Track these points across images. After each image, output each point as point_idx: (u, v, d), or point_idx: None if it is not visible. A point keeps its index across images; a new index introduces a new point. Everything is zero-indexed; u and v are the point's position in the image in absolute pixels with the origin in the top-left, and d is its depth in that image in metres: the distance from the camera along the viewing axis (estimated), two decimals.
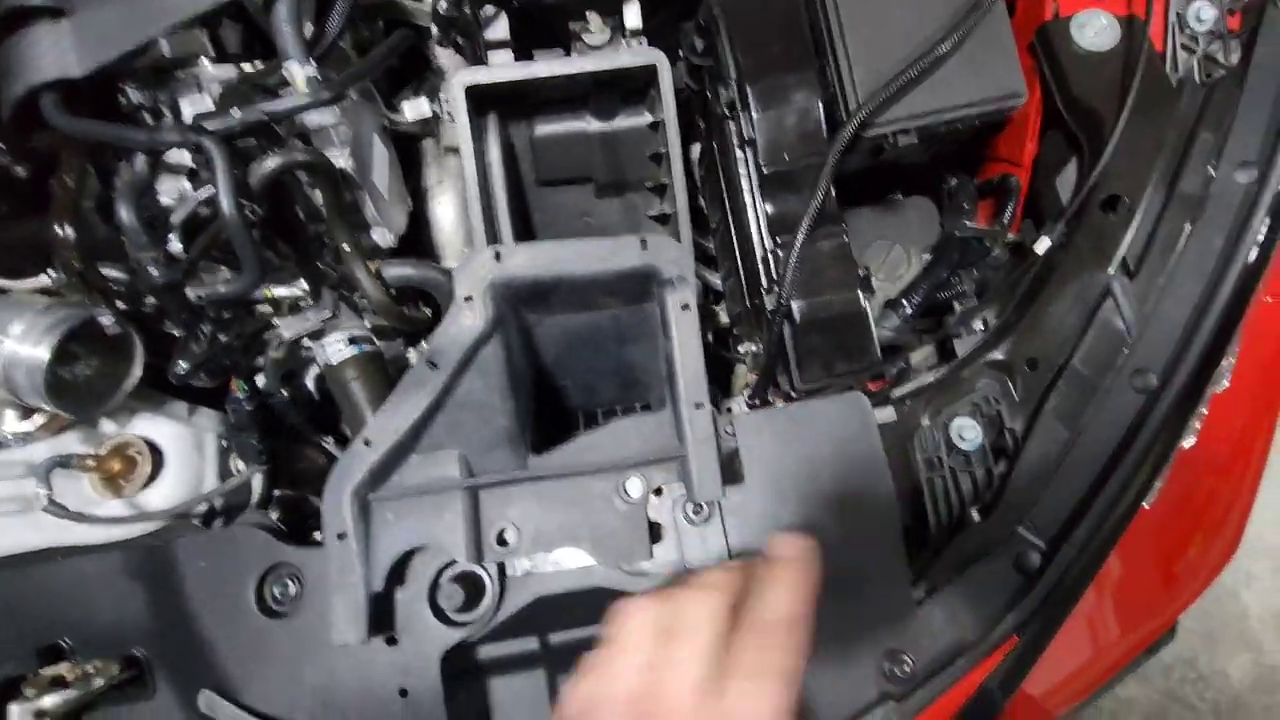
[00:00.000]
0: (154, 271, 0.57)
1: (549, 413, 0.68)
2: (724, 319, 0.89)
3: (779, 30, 0.62)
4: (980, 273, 0.70)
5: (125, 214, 0.56)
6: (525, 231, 0.88)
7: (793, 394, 0.65)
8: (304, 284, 0.68)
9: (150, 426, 0.75)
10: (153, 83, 0.62)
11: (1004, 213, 0.73)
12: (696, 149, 0.89)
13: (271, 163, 0.58)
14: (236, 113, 0.57)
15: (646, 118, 0.80)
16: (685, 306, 0.56)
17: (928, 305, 0.68)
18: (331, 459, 0.94)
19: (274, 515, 0.79)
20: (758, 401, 0.72)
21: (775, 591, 0.40)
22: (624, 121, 0.81)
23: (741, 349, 0.80)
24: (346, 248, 0.66)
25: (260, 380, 0.72)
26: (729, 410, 0.86)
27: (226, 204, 0.55)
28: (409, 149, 0.85)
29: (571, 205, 0.89)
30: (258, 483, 0.81)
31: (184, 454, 0.76)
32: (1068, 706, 0.82)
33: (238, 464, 0.82)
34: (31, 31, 0.56)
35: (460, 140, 0.73)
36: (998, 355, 0.59)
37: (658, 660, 0.37)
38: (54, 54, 0.56)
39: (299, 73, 0.61)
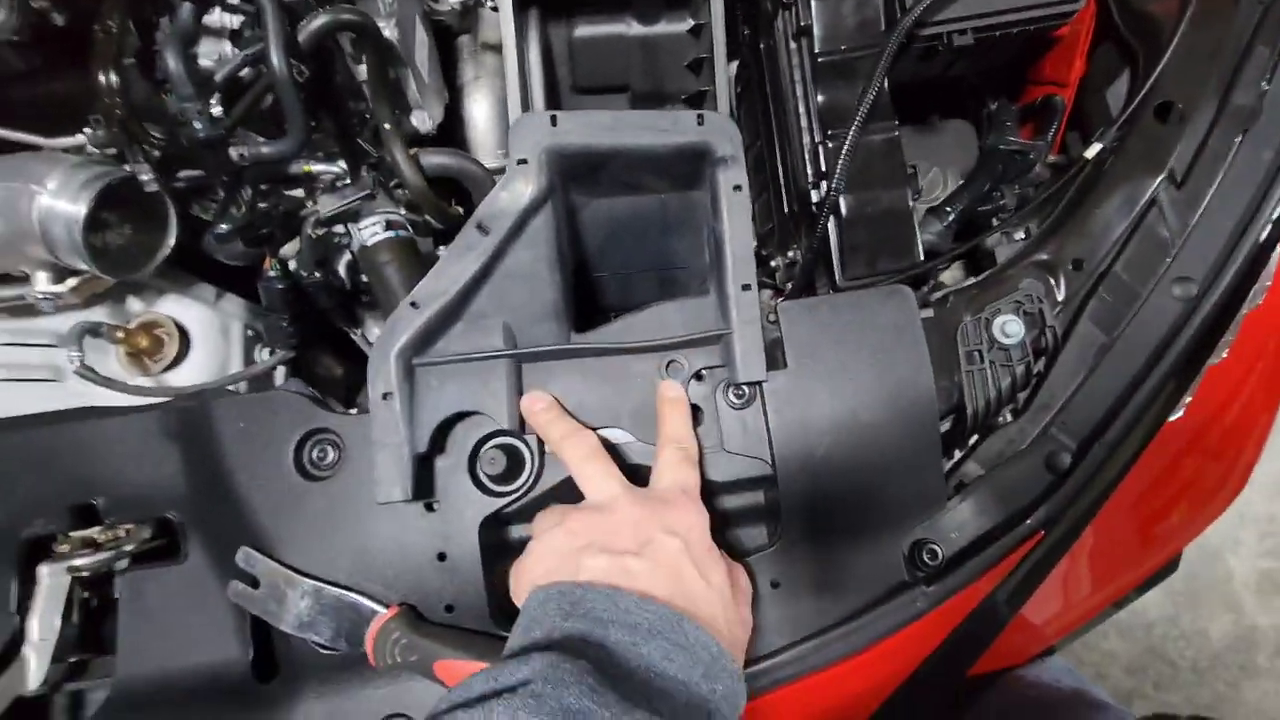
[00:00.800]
0: (198, 125, 0.56)
1: (585, 310, 0.68)
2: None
3: None
4: (1021, 188, 0.70)
5: (173, 62, 0.54)
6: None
7: (834, 289, 0.65)
8: (342, 163, 0.67)
9: (178, 307, 0.75)
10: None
11: (1048, 130, 0.73)
12: (733, 68, 0.88)
13: (321, 19, 0.57)
14: None
15: (689, 23, 0.79)
16: (738, 187, 0.56)
17: (969, 215, 0.68)
18: (350, 368, 0.94)
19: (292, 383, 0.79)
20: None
21: (669, 420, 0.55)
22: (666, 26, 0.80)
23: (774, 263, 0.80)
24: (387, 126, 0.65)
25: (293, 262, 0.71)
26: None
27: (277, 59, 0.54)
28: (445, 43, 0.83)
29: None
30: (280, 374, 0.81)
31: (210, 338, 0.76)
32: (1065, 633, 0.85)
33: (262, 356, 0.82)
34: None
35: (504, 31, 0.71)
36: (1043, 255, 0.59)
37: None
38: None
39: None
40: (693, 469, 0.53)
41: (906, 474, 0.57)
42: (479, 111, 0.83)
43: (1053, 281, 0.59)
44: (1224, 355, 0.65)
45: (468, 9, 0.75)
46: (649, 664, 0.41)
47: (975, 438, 0.61)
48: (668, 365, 0.57)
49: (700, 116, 0.55)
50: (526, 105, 0.75)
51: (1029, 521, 0.57)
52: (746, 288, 0.55)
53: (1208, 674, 1.53)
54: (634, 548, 0.46)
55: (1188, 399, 0.64)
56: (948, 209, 0.67)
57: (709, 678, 0.42)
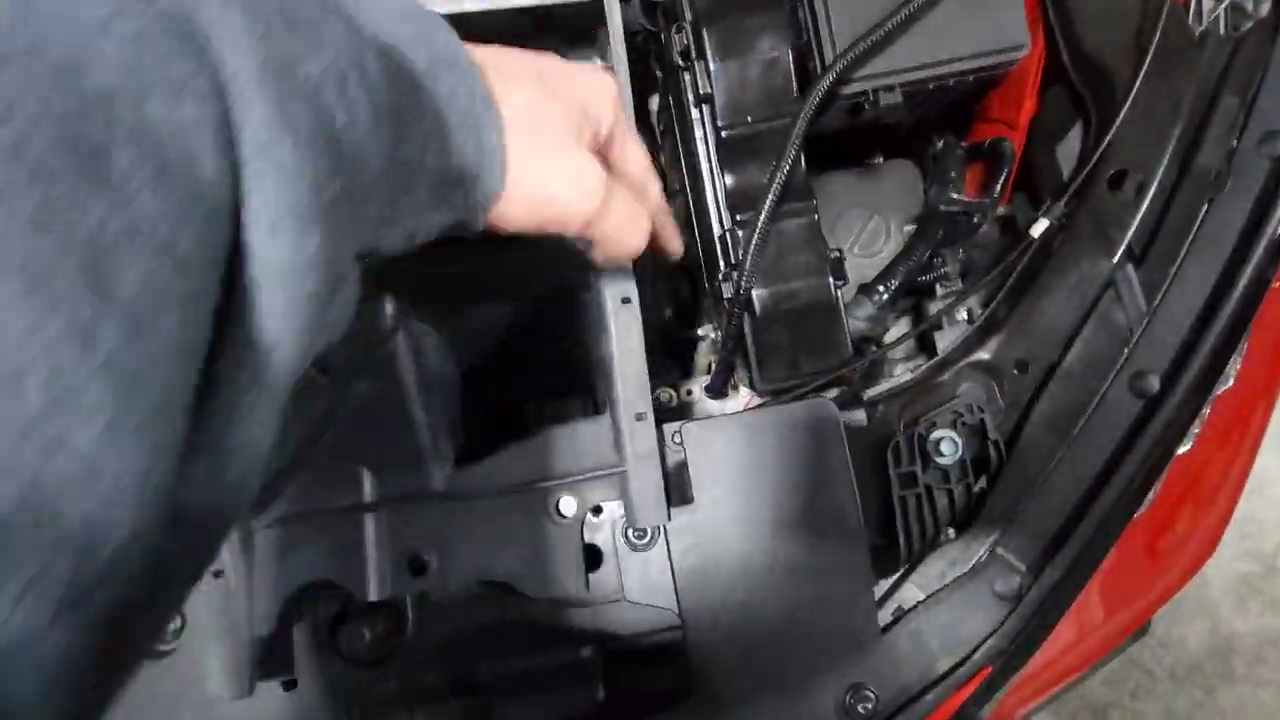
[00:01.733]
0: None
1: (489, 403, 0.60)
2: (684, 292, 0.81)
3: None
4: (966, 252, 0.63)
5: None
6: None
7: (754, 386, 0.57)
8: None
9: None
10: None
11: (995, 182, 0.65)
12: (655, 101, 0.79)
13: None
14: None
15: (597, 63, 0.70)
16: (626, 300, 0.47)
17: (907, 288, 0.61)
18: None
19: None
20: (715, 393, 0.64)
21: None
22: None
23: (702, 331, 0.72)
24: None
25: None
26: (689, 392, 0.79)
27: None
28: None
29: None
30: None
31: None
32: (1028, 707, 0.79)
33: None
34: None
35: None
36: (983, 355, 0.52)
37: None
38: None
39: None
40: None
41: (835, 611, 0.50)
42: None
43: (995, 386, 0.52)
44: (1190, 444, 0.58)
45: None
46: None
47: (914, 557, 0.54)
48: (557, 505, 0.50)
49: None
50: None
51: (974, 656, 0.51)
52: (640, 417, 0.47)
53: (1185, 682, 1.51)
54: None
55: (1152, 495, 0.57)
56: (880, 288, 0.59)
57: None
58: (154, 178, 0.18)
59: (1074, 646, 0.73)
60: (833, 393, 0.56)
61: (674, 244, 0.45)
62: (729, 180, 0.52)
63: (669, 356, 0.76)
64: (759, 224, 0.48)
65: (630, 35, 0.67)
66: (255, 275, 0.20)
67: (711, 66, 0.51)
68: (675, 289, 0.82)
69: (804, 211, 0.52)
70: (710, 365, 0.83)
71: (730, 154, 0.52)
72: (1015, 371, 0.51)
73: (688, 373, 0.84)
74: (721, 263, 0.54)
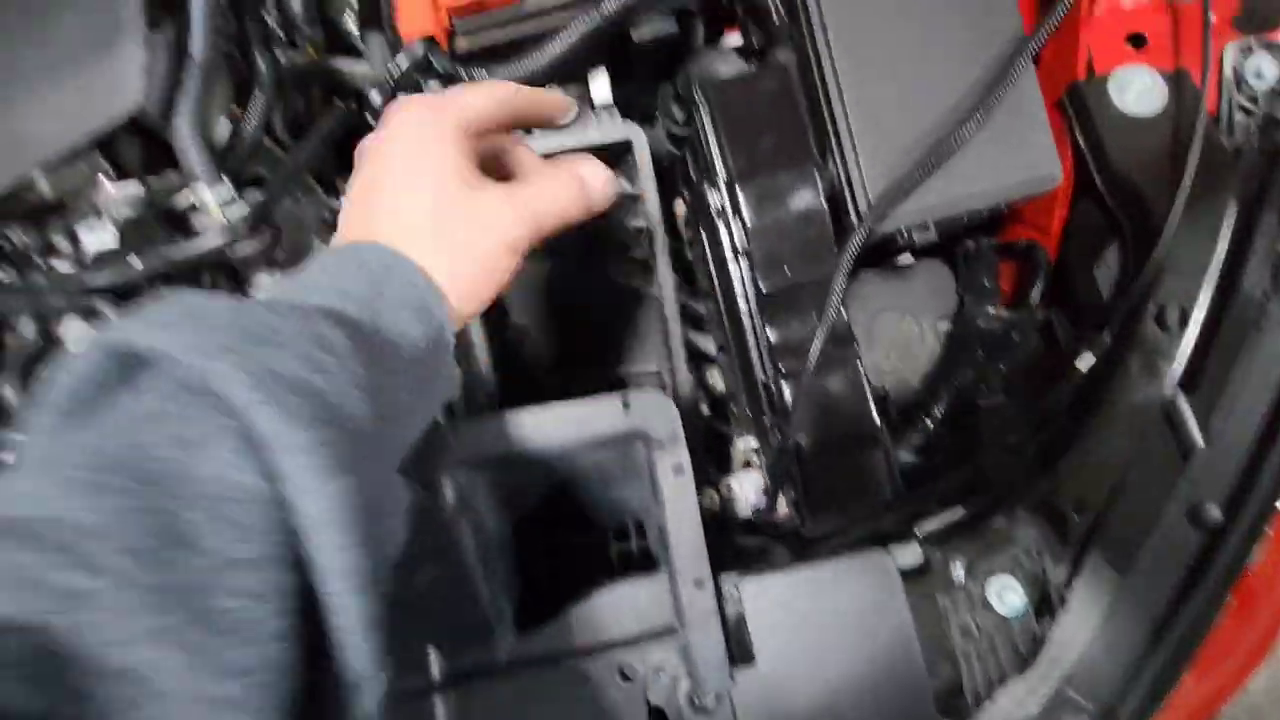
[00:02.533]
0: None
1: (544, 547, 0.61)
2: (719, 387, 0.82)
3: (771, 119, 0.52)
4: (1008, 365, 0.63)
5: (9, 394, 0.47)
6: (499, 310, 0.80)
7: (803, 524, 0.58)
8: None
9: None
10: (34, 221, 0.52)
11: (1030, 288, 0.65)
12: (679, 206, 0.80)
13: None
14: (136, 261, 0.48)
15: (625, 185, 0.71)
16: (679, 469, 0.48)
17: (950, 413, 0.60)
18: None
19: None
20: (763, 516, 0.64)
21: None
22: None
23: (740, 445, 0.73)
24: None
25: None
26: (729, 488, 0.79)
27: None
28: None
29: (547, 279, 0.81)
30: None
31: None
32: None
33: None
34: None
35: None
36: (1040, 498, 0.52)
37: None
38: None
39: (209, 196, 0.52)
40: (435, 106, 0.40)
41: None
42: None
43: (1053, 528, 0.51)
44: (1256, 560, 0.57)
45: None
46: (313, 287, 0.32)
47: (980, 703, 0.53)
48: (620, 668, 0.50)
49: (625, 402, 0.47)
50: None
51: None
52: (700, 584, 0.48)
53: None
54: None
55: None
56: (925, 418, 0.59)
57: (379, 303, 0.33)
58: (216, 517, 0.23)
59: None
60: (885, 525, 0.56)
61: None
62: (771, 334, 0.53)
63: (706, 451, 0.77)
64: (803, 382, 0.49)
65: (656, 161, 0.68)
66: (302, 523, 0.24)
67: (749, 225, 0.52)
68: (709, 385, 0.83)
69: (847, 358, 0.52)
70: (747, 461, 0.84)
71: (770, 310, 0.53)
72: (1074, 514, 0.51)
73: (724, 467, 0.84)
74: (766, 407, 0.55)
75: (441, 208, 0.36)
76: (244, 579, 0.23)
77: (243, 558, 0.23)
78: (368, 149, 0.39)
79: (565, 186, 0.42)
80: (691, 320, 0.78)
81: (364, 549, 0.25)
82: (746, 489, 0.76)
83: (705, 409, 0.80)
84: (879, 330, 0.74)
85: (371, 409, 0.28)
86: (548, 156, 0.47)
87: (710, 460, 0.80)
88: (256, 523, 0.23)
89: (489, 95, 0.40)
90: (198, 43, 0.52)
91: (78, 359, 0.26)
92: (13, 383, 0.47)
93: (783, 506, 0.65)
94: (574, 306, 0.80)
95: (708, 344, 0.79)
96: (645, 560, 0.60)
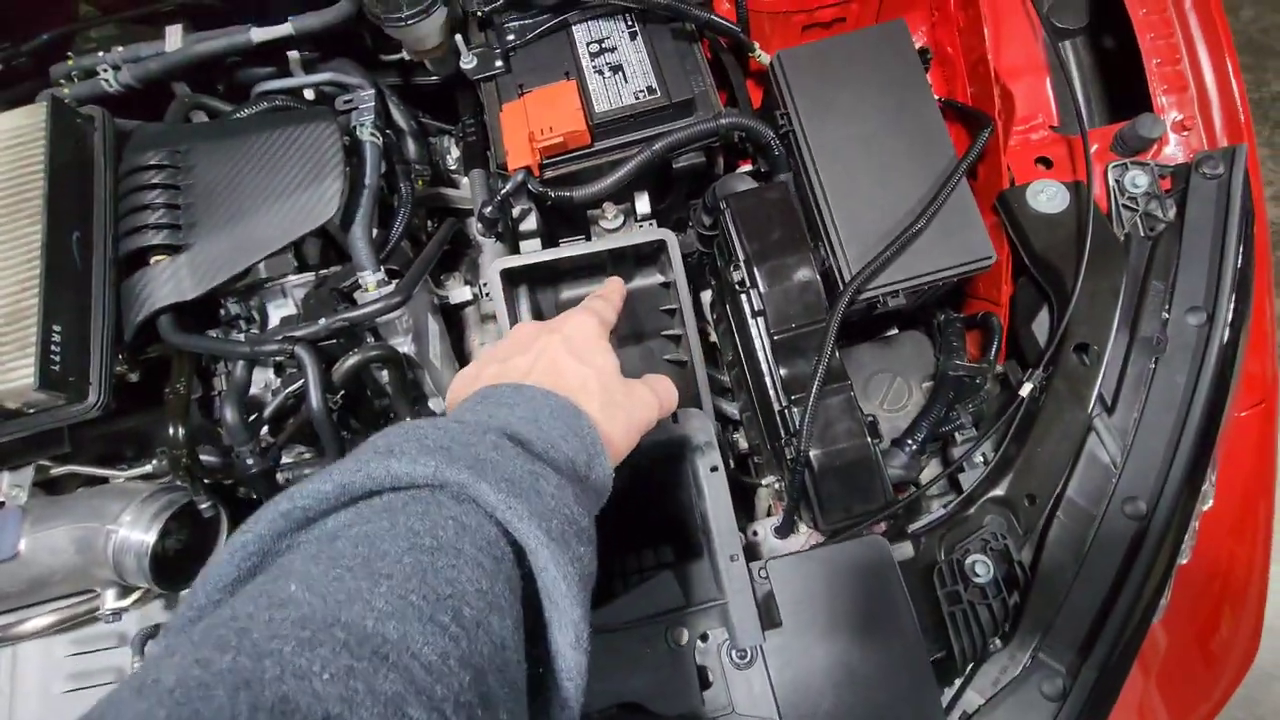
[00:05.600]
0: (250, 461, 0.65)
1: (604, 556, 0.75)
2: (743, 445, 0.97)
3: (777, 219, 0.73)
4: (975, 405, 0.78)
5: (231, 415, 0.65)
6: None
7: (817, 528, 0.71)
8: None
9: None
10: (247, 295, 0.73)
11: (989, 349, 0.82)
12: (708, 295, 0.99)
13: (353, 360, 0.67)
14: (323, 321, 0.67)
15: (659, 278, 0.91)
16: (714, 469, 0.63)
17: (930, 439, 0.75)
18: None
19: None
20: (784, 536, 0.78)
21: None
22: (640, 281, 0.92)
23: (765, 481, 0.87)
24: (409, 419, 0.75)
25: None
26: (755, 533, 0.92)
27: (316, 401, 0.64)
28: (452, 316, 0.95)
29: None
30: None
31: None
32: None
33: None
34: (155, 266, 0.67)
35: (498, 313, 0.83)
36: (999, 492, 0.66)
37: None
38: (172, 283, 0.67)
39: (371, 279, 0.72)
40: (600, 298, 0.55)
41: (910, 715, 0.61)
42: None
43: (1013, 517, 0.65)
44: (1188, 557, 0.69)
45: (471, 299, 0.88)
46: (548, 438, 0.41)
47: (970, 666, 0.64)
48: (672, 635, 0.62)
49: (676, 415, 0.63)
50: None
51: None
52: (734, 558, 0.62)
53: None
54: (520, 350, 0.50)
55: (1165, 601, 0.68)
56: (909, 441, 0.74)
57: (589, 465, 0.43)
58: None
59: None
60: (882, 528, 0.69)
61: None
62: (782, 371, 0.70)
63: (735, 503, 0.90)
64: (810, 402, 0.65)
65: (687, 256, 0.88)
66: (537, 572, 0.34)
67: (763, 291, 0.70)
68: (734, 444, 0.98)
69: (842, 390, 0.68)
70: (769, 509, 0.97)
71: (781, 352, 0.70)
72: (1026, 503, 0.65)
73: (750, 516, 0.98)
74: (782, 431, 0.70)
75: (607, 384, 0.48)
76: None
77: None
78: (535, 332, 0.51)
79: (670, 389, 0.55)
80: (717, 389, 0.95)
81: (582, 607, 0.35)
82: (769, 531, 0.90)
83: (732, 464, 0.95)
84: (872, 388, 0.91)
85: (584, 515, 0.38)
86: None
87: (739, 509, 0.94)
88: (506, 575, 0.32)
89: (618, 295, 0.58)
90: (369, 176, 0.75)
91: (332, 489, 0.33)
92: (232, 407, 0.65)
93: (801, 530, 0.78)
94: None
95: (731, 409, 0.95)
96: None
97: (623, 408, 0.49)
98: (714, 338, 0.99)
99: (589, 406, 0.46)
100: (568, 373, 0.48)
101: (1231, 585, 0.78)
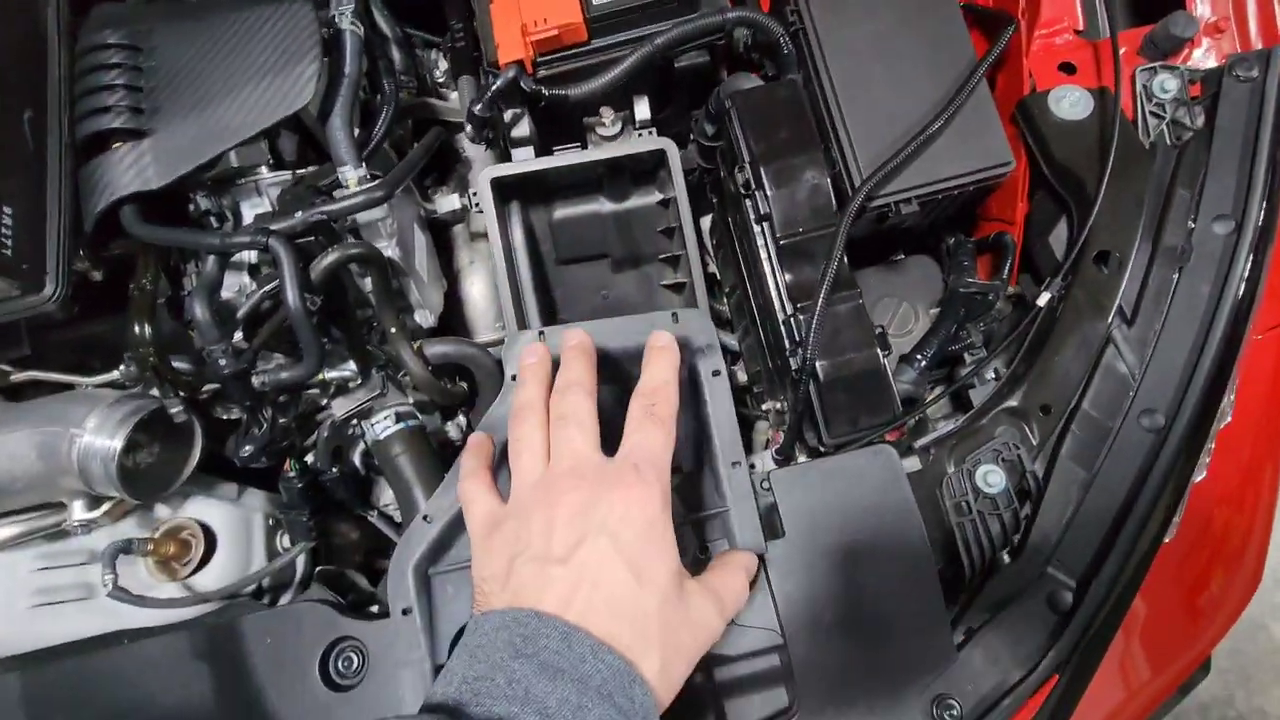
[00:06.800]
0: (223, 362, 0.61)
1: None
2: (741, 377, 0.93)
3: (785, 117, 0.68)
4: (986, 324, 0.75)
5: (200, 311, 0.60)
6: (548, 306, 0.93)
7: (821, 449, 0.68)
8: (353, 365, 0.73)
9: (202, 508, 0.78)
10: (218, 190, 0.68)
11: (1002, 268, 0.78)
12: (707, 221, 0.95)
13: (331, 257, 0.63)
14: (299, 214, 0.63)
15: (657, 196, 0.86)
16: (716, 372, 0.60)
17: (940, 358, 0.72)
18: (366, 532, 0.97)
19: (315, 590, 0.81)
20: (785, 458, 0.75)
21: (650, 368, 0.53)
22: (636, 201, 0.87)
23: (765, 406, 0.84)
24: (394, 330, 0.71)
25: (310, 458, 0.75)
26: (752, 466, 0.89)
27: (293, 298, 0.60)
28: (441, 234, 0.91)
29: (590, 280, 0.95)
30: (301, 560, 0.83)
31: (234, 534, 0.78)
32: None
33: (283, 542, 0.85)
34: (114, 152, 0.62)
35: (489, 227, 0.79)
36: (1012, 403, 0.63)
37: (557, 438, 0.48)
38: (134, 170, 0.62)
39: (353, 175, 0.67)
40: (658, 427, 0.48)
41: (915, 629, 0.58)
42: (475, 291, 0.90)
43: (1026, 427, 0.62)
44: (1204, 474, 0.67)
45: (456, 210, 0.83)
46: None
47: (978, 581, 0.62)
48: None
49: (675, 314, 0.60)
50: (515, 287, 0.81)
51: (1041, 666, 0.58)
52: (736, 465, 0.59)
53: None
54: (561, 553, 0.43)
55: (1177, 519, 0.66)
56: (919, 356, 0.71)
57: None
58: None
59: (1127, 703, 0.78)
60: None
61: None
62: (788, 277, 0.66)
63: None
64: (818, 307, 0.61)
65: (687, 173, 0.84)
66: None
67: (769, 193, 0.66)
68: (732, 376, 0.95)
69: (851, 298, 0.65)
70: (768, 442, 0.94)
71: (787, 257, 0.66)
72: (1041, 414, 0.62)
73: (749, 449, 0.95)
74: (787, 342, 0.67)
75: (668, 619, 0.42)
76: None
77: None
78: (574, 509, 0.44)
79: (740, 593, 0.49)
80: (716, 319, 0.92)
81: None
82: (768, 464, 0.87)
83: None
84: (879, 312, 0.87)
85: None
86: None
87: None
88: None
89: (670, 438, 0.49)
90: (350, 65, 0.69)
91: None
92: (201, 303, 0.61)
93: (801, 459, 0.75)
94: (616, 301, 0.94)
95: (730, 340, 0.92)
96: None
97: (684, 651, 0.44)
98: (713, 268, 0.95)
99: (647, 666, 0.41)
100: (624, 605, 0.42)
101: (1229, 544, 0.76)
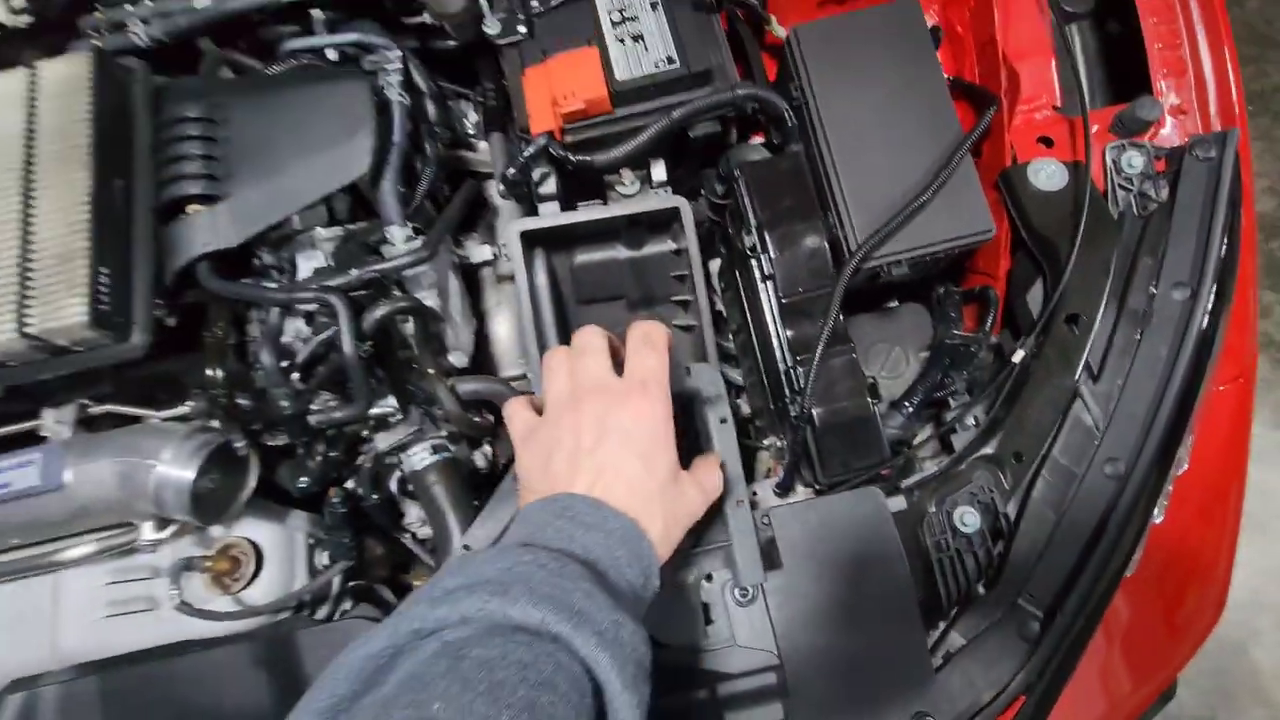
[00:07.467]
0: (285, 403, 0.69)
1: None
2: (745, 410, 1.01)
3: (789, 188, 0.76)
4: (969, 373, 0.82)
5: (266, 358, 0.68)
6: (567, 343, 1.00)
7: (817, 484, 0.76)
8: (393, 401, 0.80)
9: (252, 528, 0.86)
10: (278, 245, 0.76)
11: (986, 320, 0.85)
12: (715, 265, 1.03)
13: (382, 310, 0.71)
14: (355, 272, 0.71)
15: (671, 245, 0.94)
16: (724, 420, 0.68)
17: (926, 403, 0.80)
18: (391, 549, 1.04)
19: (348, 605, 0.89)
20: (784, 489, 0.82)
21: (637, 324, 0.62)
22: (651, 249, 0.95)
23: (766, 442, 0.91)
24: (431, 370, 0.79)
25: (351, 484, 0.83)
26: (754, 494, 0.97)
27: (349, 347, 0.68)
28: (470, 275, 0.98)
29: (607, 319, 1.02)
30: (338, 576, 0.91)
31: (280, 553, 0.86)
32: None
33: (320, 559, 0.92)
34: (192, 215, 0.70)
35: (516, 275, 0.86)
36: (988, 450, 0.70)
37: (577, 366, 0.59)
38: (210, 231, 0.70)
39: (399, 234, 0.75)
40: (654, 351, 0.59)
41: (897, 652, 0.66)
42: (501, 330, 0.98)
43: (1000, 473, 0.70)
44: (1162, 516, 0.74)
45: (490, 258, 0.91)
46: (619, 568, 0.49)
47: (955, 610, 0.69)
48: (677, 574, 0.67)
49: (688, 369, 0.67)
50: (538, 327, 0.89)
51: (1010, 688, 0.65)
52: (740, 503, 0.66)
53: None
54: (590, 445, 0.54)
55: (1137, 556, 0.73)
56: (906, 404, 0.78)
57: (645, 586, 0.51)
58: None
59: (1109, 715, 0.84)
60: (878, 484, 0.74)
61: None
62: (789, 333, 0.74)
63: None
64: (815, 361, 0.69)
65: (698, 224, 0.91)
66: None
67: (773, 256, 0.74)
68: (736, 409, 1.02)
69: (845, 351, 0.72)
70: (769, 471, 1.01)
71: (788, 314, 0.74)
72: (1014, 461, 0.69)
73: (751, 477, 1.02)
74: (787, 390, 0.74)
75: (666, 490, 0.55)
76: None
77: None
78: (597, 412, 0.55)
79: (716, 482, 0.62)
80: (722, 355, 0.99)
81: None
82: (768, 493, 0.94)
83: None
84: (872, 357, 0.95)
85: (647, 653, 0.45)
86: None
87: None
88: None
89: (665, 360, 0.60)
90: (398, 134, 0.78)
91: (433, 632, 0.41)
92: (267, 351, 0.68)
93: (800, 492, 0.83)
94: None
95: (735, 375, 0.99)
96: None
97: (678, 521, 0.56)
98: (720, 306, 1.03)
99: (652, 529, 0.53)
100: (635, 486, 0.53)
101: (1200, 561, 0.83)
